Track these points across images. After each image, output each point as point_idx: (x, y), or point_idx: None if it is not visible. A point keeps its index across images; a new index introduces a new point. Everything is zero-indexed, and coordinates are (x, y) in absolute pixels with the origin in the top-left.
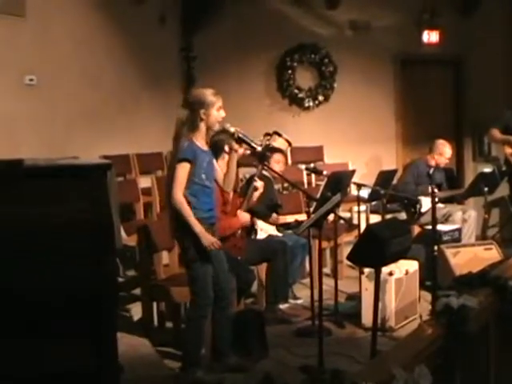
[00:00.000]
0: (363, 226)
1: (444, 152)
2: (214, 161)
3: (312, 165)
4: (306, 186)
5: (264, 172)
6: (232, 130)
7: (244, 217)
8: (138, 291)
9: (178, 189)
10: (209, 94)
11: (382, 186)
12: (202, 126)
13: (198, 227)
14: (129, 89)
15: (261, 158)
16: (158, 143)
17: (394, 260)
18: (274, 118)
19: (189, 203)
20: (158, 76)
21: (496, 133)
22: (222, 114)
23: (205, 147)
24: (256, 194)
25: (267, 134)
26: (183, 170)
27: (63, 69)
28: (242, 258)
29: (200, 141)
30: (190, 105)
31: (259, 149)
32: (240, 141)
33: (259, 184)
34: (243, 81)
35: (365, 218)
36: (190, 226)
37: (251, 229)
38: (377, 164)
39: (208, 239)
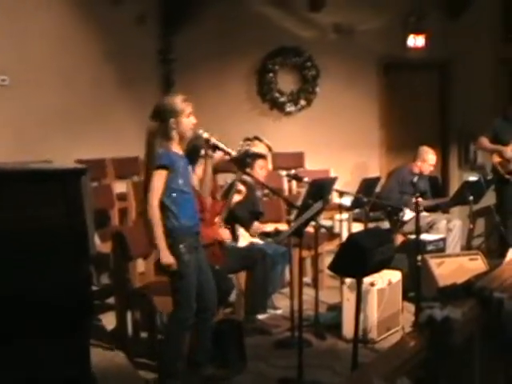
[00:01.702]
0: (345, 235)
1: (428, 159)
2: (190, 167)
3: (293, 171)
4: (286, 192)
5: (246, 178)
6: (205, 135)
7: (224, 234)
8: (112, 300)
9: (154, 197)
10: (177, 102)
11: (364, 194)
12: (175, 134)
13: (162, 242)
14: (105, 90)
15: (240, 163)
16: (134, 147)
17: (377, 270)
18: (255, 122)
19: (171, 212)
20: (136, 78)
21: (485, 141)
22: (193, 120)
23: (180, 153)
24: (237, 198)
25: (247, 139)
26: (160, 178)
27: (37, 69)
28: (220, 266)
29: (175, 148)
30: (159, 115)
31: (234, 153)
32: (214, 147)
33: (242, 187)
34: (223, 84)
35: (347, 226)
36: (155, 237)
37: (233, 236)
38: (360, 171)
39: (167, 258)
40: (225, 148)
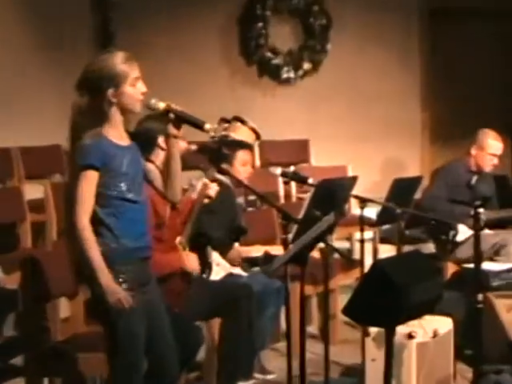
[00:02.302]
0: (369, 263)
1: (488, 146)
2: (142, 160)
3: (292, 168)
4: (282, 199)
5: (220, 177)
6: (161, 105)
7: (190, 261)
8: (20, 361)
9: (82, 210)
10: (117, 63)
11: (398, 202)
12: (114, 112)
13: (101, 271)
14: (14, 53)
15: (213, 155)
16: (54, 132)
17: (416, 315)
18: (235, 95)
19: (106, 228)
20: (59, 33)
21: None
22: (142, 87)
23: (122, 141)
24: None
25: (224, 121)
26: (88, 183)
27: None
28: (182, 310)
29: (113, 133)
30: (90, 83)
31: (208, 126)
32: (179, 120)
33: (213, 190)
34: (189, 41)
35: (371, 250)
36: (90, 267)
37: (203, 264)
38: (391, 169)
39: (113, 292)
40: (196, 120)
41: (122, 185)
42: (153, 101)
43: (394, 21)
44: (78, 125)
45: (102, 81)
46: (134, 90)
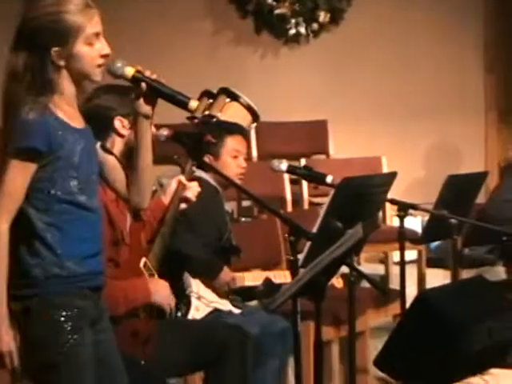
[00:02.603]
0: (412, 295)
1: None
2: (99, 149)
3: (303, 162)
4: (289, 205)
5: (202, 174)
6: (129, 70)
7: (161, 292)
8: None
9: (2, 208)
10: (68, 10)
11: (453, 209)
12: (61, 80)
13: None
14: None
15: (194, 144)
16: None
17: (479, 369)
18: (224, 60)
19: (44, 244)
20: None
21: None
22: (104, 48)
23: (76, 122)
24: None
25: (208, 95)
26: (22, 171)
27: None
28: (148, 360)
29: (65, 109)
30: (27, 39)
31: (194, 104)
32: (153, 94)
33: (193, 191)
34: None
35: (416, 276)
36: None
37: (177, 297)
38: (443, 162)
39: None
40: (178, 94)
41: (72, 182)
42: (118, 64)
43: None
44: (13, 95)
45: (44, 34)
46: (91, 50)
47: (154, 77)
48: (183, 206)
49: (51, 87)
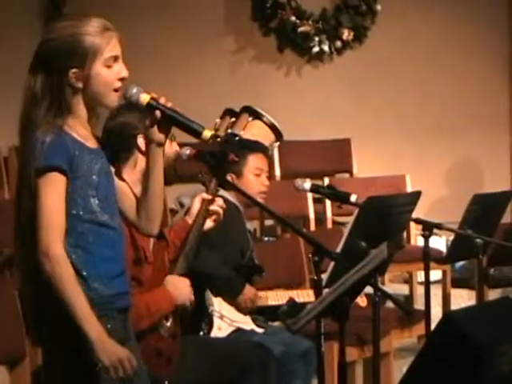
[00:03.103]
0: (437, 316)
1: None
2: (112, 170)
3: (326, 180)
4: (312, 225)
5: (224, 194)
6: (144, 98)
7: (181, 288)
8: None
9: (52, 232)
10: (87, 32)
11: (478, 229)
12: (77, 102)
13: (89, 320)
14: None
15: (216, 163)
16: None
17: None
18: (247, 78)
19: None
20: None
21: None
22: (122, 71)
23: (90, 142)
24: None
25: (230, 113)
26: (55, 190)
27: None
28: (172, 379)
29: (80, 130)
30: (46, 60)
31: (207, 134)
32: (167, 122)
33: (218, 206)
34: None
35: (441, 296)
36: (73, 316)
37: (199, 316)
38: (468, 180)
39: (110, 352)
40: (190, 123)
41: (93, 201)
42: (133, 90)
43: None
44: (30, 117)
45: (63, 55)
46: (109, 72)
47: (168, 105)
48: (210, 223)
49: (67, 109)
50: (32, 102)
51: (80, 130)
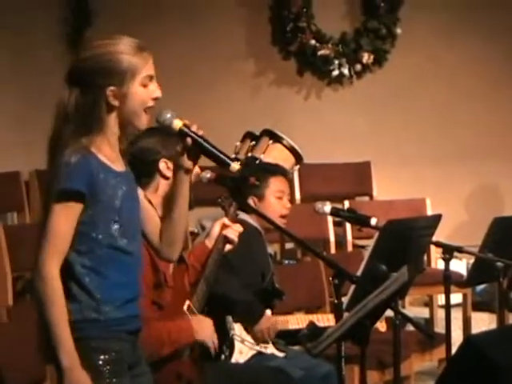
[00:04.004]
0: (458, 339)
1: None
2: (140, 193)
3: (347, 203)
4: (333, 248)
5: (245, 217)
6: (177, 123)
7: (204, 328)
8: None
9: (52, 252)
10: (124, 51)
11: (499, 252)
12: (112, 120)
13: (63, 345)
14: None
15: (237, 187)
16: (12, 157)
17: None
18: (267, 101)
19: (83, 288)
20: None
21: None
22: (156, 91)
23: (118, 165)
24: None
25: (250, 136)
26: (68, 214)
27: None
28: None
29: (107, 152)
30: (82, 77)
31: (235, 167)
32: (197, 150)
33: (234, 232)
34: (198, 23)
35: (462, 320)
36: (52, 337)
37: (221, 340)
38: (489, 203)
39: (77, 382)
40: (219, 154)
41: (114, 226)
42: (167, 115)
43: None
44: (59, 135)
45: (101, 73)
46: (145, 92)
47: (200, 133)
48: (227, 248)
49: (98, 126)
50: (63, 118)
51: (107, 151)
